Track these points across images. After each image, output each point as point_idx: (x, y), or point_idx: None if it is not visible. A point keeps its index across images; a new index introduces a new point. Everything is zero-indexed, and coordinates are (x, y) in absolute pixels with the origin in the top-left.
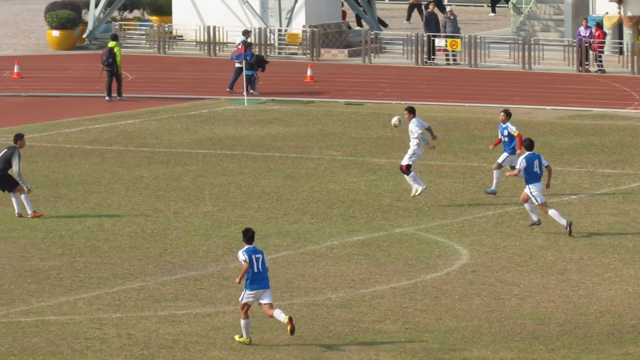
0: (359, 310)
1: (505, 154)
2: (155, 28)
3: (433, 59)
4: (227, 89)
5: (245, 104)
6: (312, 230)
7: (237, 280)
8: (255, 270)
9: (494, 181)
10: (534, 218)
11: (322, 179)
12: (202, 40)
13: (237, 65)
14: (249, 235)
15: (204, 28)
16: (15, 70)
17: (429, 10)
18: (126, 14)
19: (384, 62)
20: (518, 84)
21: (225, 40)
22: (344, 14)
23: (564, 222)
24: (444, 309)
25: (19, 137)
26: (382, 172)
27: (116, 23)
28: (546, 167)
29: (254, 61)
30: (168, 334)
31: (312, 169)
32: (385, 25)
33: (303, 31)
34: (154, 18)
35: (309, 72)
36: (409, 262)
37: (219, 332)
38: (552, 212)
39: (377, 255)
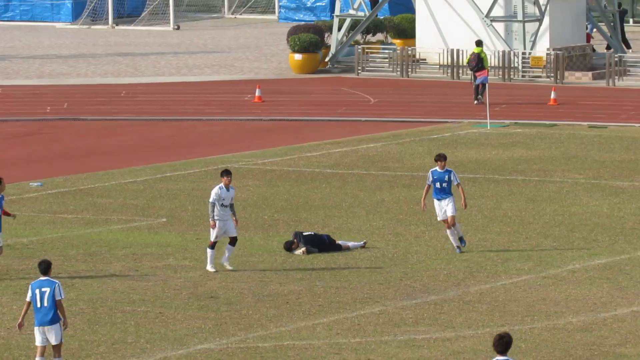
0: (600, 334)
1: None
2: (398, 51)
3: None
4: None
5: (488, 128)
6: (554, 254)
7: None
8: (39, 305)
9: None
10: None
11: (565, 202)
12: (445, 63)
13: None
14: (42, 267)
15: (447, 51)
16: (257, 94)
17: None
18: (369, 38)
19: (628, 84)
20: None
21: None
22: (587, 36)
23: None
24: None
25: None
26: (625, 195)
27: (359, 46)
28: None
29: None
30: (407, 359)
31: (554, 192)
32: (629, 47)
33: (547, 54)
34: (397, 41)
35: (552, 95)
36: None
37: (459, 357)
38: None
39: (619, 278)
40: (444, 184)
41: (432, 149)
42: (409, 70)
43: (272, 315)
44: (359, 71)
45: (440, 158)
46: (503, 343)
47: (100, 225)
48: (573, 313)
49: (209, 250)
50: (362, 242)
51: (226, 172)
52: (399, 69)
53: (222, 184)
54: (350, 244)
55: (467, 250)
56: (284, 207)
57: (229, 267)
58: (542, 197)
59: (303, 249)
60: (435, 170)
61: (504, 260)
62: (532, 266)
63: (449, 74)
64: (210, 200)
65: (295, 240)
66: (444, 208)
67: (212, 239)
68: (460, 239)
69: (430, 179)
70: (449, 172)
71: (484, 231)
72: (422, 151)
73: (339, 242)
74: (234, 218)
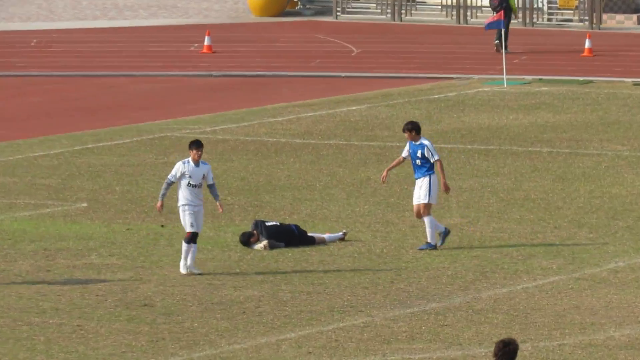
0: None
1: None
2: None
3: None
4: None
5: (505, 85)
6: (590, 249)
7: None
8: None
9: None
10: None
11: (604, 180)
12: (449, 3)
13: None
14: None
15: None
16: (206, 42)
17: None
18: None
19: None
20: None
21: (479, 4)
22: None
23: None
24: None
25: None
26: None
27: None
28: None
29: None
30: None
31: (590, 168)
32: None
33: None
34: None
35: (587, 44)
36: None
37: None
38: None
39: None
40: (418, 161)
41: (431, 113)
42: (402, 12)
43: (223, 329)
44: (338, 13)
45: (406, 128)
46: (509, 352)
47: (1, 211)
48: (615, 325)
49: (184, 245)
50: (341, 233)
51: (196, 144)
52: (389, 11)
53: (189, 158)
54: (326, 236)
55: (479, 244)
56: (240, 188)
57: (196, 271)
58: (574, 175)
59: (265, 242)
60: (412, 142)
61: (526, 257)
62: (562, 264)
63: (454, 17)
64: (169, 176)
65: (255, 231)
66: (417, 192)
67: (187, 228)
68: (428, 245)
69: (406, 150)
70: (422, 146)
71: (500, 219)
72: (419, 115)
73: (311, 233)
74: (218, 203)
